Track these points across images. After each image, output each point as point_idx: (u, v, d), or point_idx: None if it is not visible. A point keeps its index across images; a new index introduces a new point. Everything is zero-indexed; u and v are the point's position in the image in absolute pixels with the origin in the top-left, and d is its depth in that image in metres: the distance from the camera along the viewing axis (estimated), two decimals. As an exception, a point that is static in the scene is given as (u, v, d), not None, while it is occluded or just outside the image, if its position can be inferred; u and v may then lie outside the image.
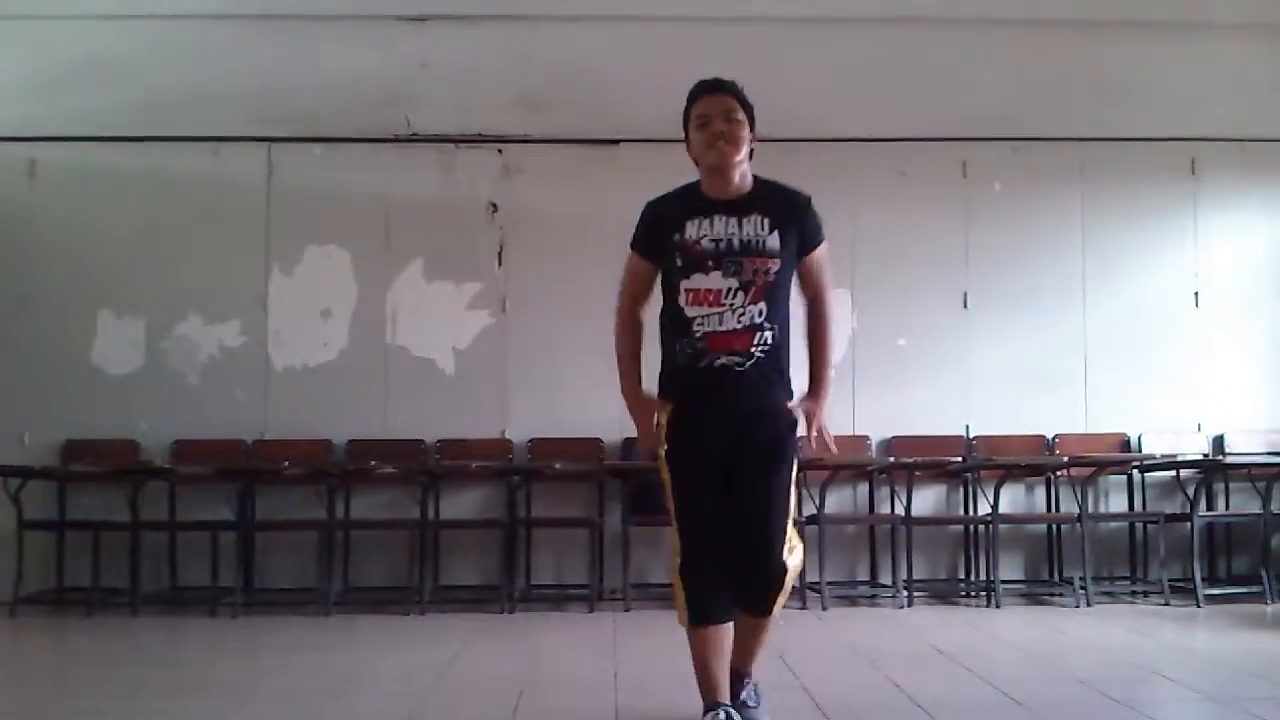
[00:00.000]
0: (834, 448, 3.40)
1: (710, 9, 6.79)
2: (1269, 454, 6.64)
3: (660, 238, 3.36)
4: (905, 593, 6.21)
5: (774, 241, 3.27)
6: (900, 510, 6.39)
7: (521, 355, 6.80)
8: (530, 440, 6.72)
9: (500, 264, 6.86)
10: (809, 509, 6.34)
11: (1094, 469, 6.48)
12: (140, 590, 6.12)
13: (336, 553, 6.38)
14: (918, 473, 6.41)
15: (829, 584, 6.16)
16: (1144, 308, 7.00)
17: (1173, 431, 6.88)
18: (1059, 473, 6.61)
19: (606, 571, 6.43)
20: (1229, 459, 6.61)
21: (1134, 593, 6.57)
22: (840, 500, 6.67)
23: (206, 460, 6.39)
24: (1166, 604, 6.16)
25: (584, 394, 6.73)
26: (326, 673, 4.56)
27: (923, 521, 6.51)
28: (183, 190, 6.84)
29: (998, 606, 6.11)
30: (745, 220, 3.29)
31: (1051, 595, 6.50)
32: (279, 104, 6.83)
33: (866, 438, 6.81)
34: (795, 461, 3.34)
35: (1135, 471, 6.80)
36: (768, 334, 3.25)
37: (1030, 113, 6.99)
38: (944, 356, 6.87)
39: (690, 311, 3.29)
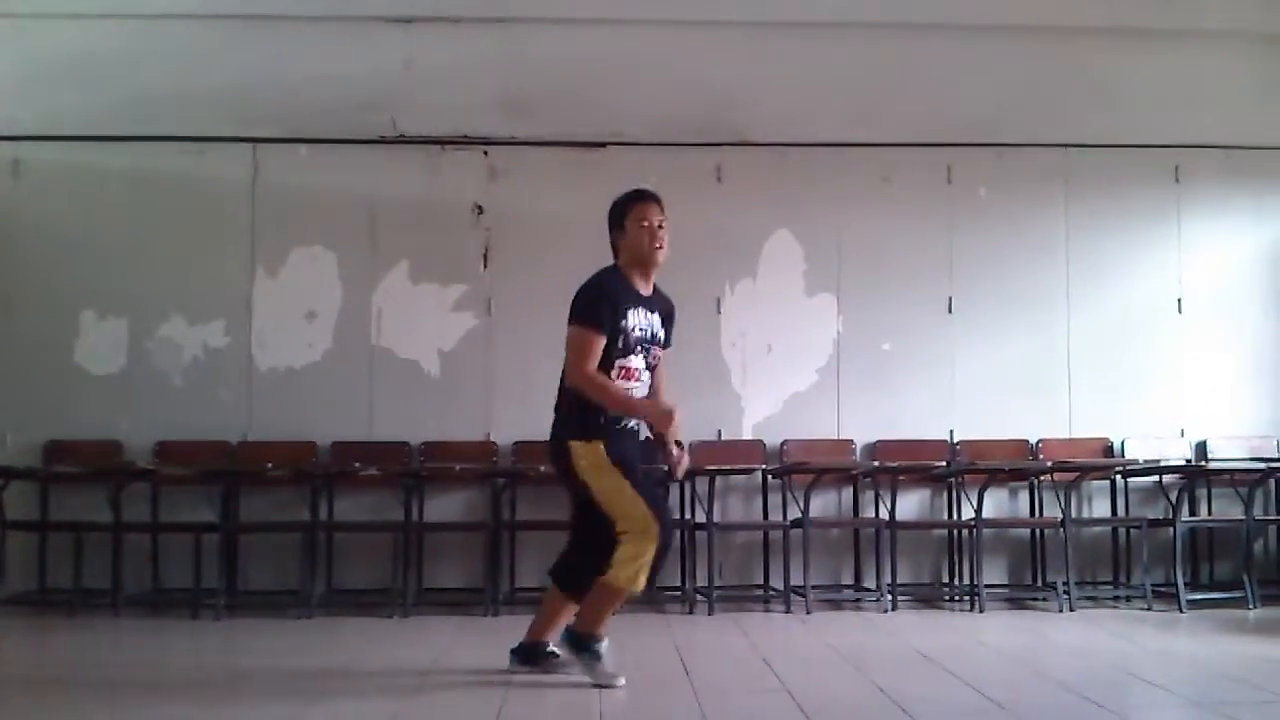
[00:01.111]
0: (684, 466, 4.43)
1: (697, 13, 6.80)
2: (1251, 460, 6.68)
3: (615, 321, 4.10)
4: (889, 597, 6.22)
5: (662, 335, 4.29)
6: (884, 514, 6.40)
7: (506, 358, 6.79)
8: (515, 443, 6.71)
9: (485, 266, 6.85)
10: (794, 512, 6.36)
11: (1077, 474, 6.50)
12: (122, 592, 6.09)
13: (320, 555, 6.36)
14: (902, 477, 6.43)
15: (813, 588, 6.16)
16: (1127, 313, 7.03)
17: (1155, 437, 6.91)
18: (1042, 477, 6.64)
19: (591, 574, 6.41)
20: (1211, 464, 6.65)
21: (1116, 597, 6.59)
22: (824, 504, 6.68)
23: (190, 461, 6.37)
24: (1149, 609, 6.19)
25: (569, 397, 6.73)
26: (309, 675, 4.54)
27: (907, 526, 6.52)
28: (167, 190, 6.82)
29: (981, 610, 6.12)
30: (652, 315, 4.22)
31: (1034, 599, 6.51)
32: (265, 104, 6.81)
33: (851, 442, 6.82)
34: None
35: (1118, 476, 6.83)
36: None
37: (1015, 119, 7.02)
38: (928, 361, 6.89)
39: (622, 384, 4.13)
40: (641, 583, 4.07)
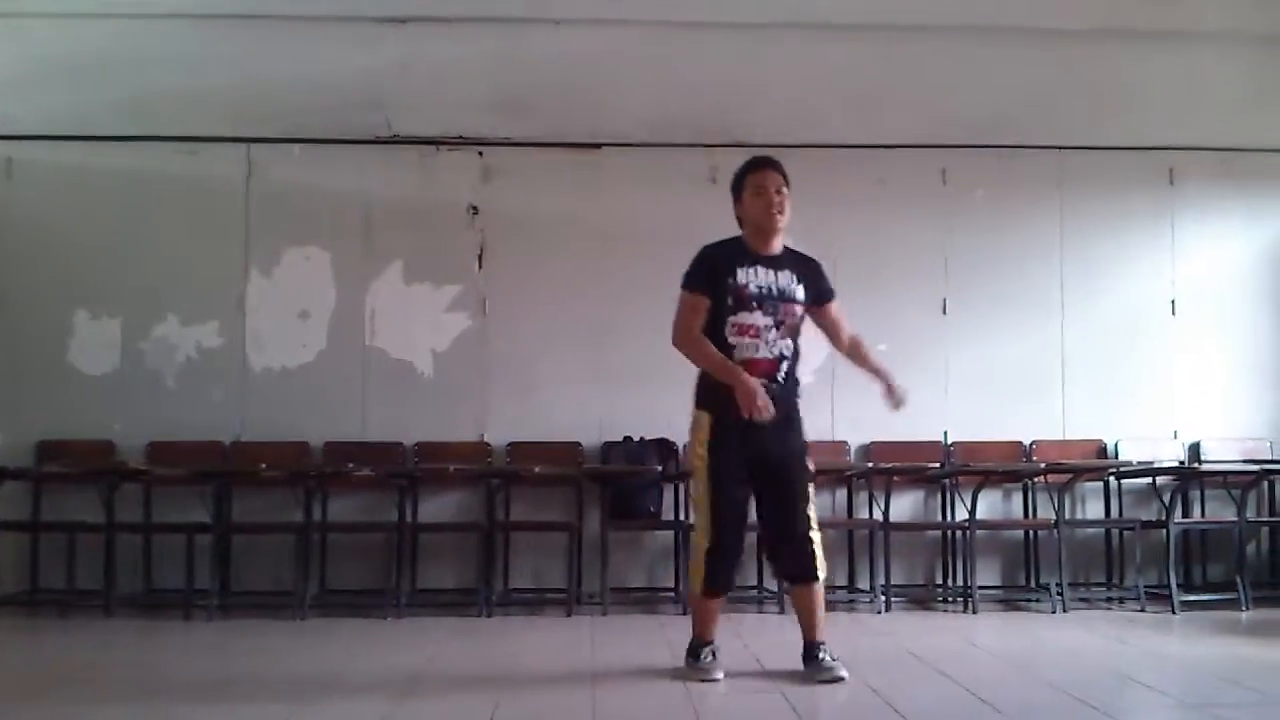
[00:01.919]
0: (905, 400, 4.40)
1: (693, 14, 6.78)
2: (1244, 462, 6.69)
3: (715, 279, 4.18)
4: (883, 598, 6.22)
5: (800, 293, 4.25)
6: (879, 515, 6.40)
7: (501, 358, 6.79)
8: (509, 444, 6.71)
9: (480, 266, 6.85)
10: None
11: (1071, 475, 6.51)
12: (115, 592, 6.08)
13: (313, 555, 6.36)
14: (896, 478, 6.43)
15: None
16: (1121, 316, 7.04)
17: (1149, 439, 6.92)
18: (1036, 479, 6.64)
19: (585, 575, 6.42)
20: (1205, 466, 6.65)
21: (1110, 599, 6.60)
22: (819, 505, 6.61)
23: (183, 462, 6.35)
24: (1142, 610, 6.19)
25: (563, 397, 6.74)
26: (302, 676, 4.53)
27: (901, 527, 6.52)
28: (161, 190, 6.81)
29: (974, 612, 6.13)
30: (780, 273, 4.22)
31: (1028, 601, 6.52)
32: (259, 104, 6.80)
33: (845, 443, 6.83)
34: (809, 469, 4.34)
35: (1112, 478, 6.83)
36: (788, 364, 4.23)
37: (1010, 121, 7.02)
38: (923, 362, 6.88)
39: (733, 340, 4.15)
40: (697, 584, 4.26)
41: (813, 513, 4.29)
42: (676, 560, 6.45)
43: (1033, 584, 6.71)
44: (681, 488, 6.46)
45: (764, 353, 4.16)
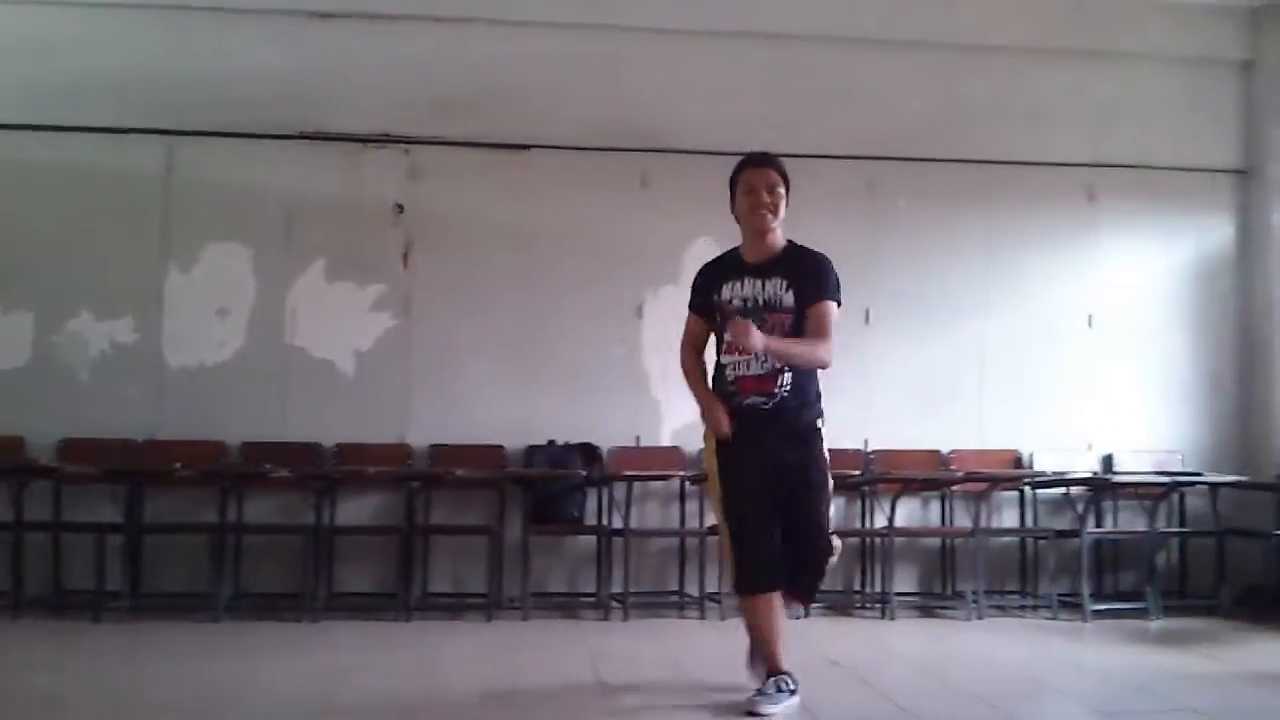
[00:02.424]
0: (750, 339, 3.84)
1: (625, 19, 6.79)
2: (1156, 474, 6.83)
3: (707, 298, 4.13)
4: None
5: (790, 299, 3.98)
6: (799, 522, 6.43)
7: (424, 359, 6.72)
8: (431, 446, 6.63)
9: (405, 266, 6.77)
10: (710, 519, 6.36)
11: (988, 485, 6.60)
12: (23, 593, 5.90)
13: (228, 557, 6.23)
14: (818, 485, 6.46)
15: (728, 595, 6.17)
16: (1040, 329, 7.16)
17: (1064, 450, 7.04)
18: (954, 488, 6.73)
19: (505, 580, 6.37)
20: (1117, 478, 6.78)
21: (1024, 607, 6.71)
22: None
23: (95, 460, 6.18)
24: (1055, 618, 6.30)
25: (487, 400, 6.69)
26: (214, 682, 4.45)
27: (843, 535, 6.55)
28: (78, 182, 6.63)
29: (892, 619, 6.19)
30: (768, 282, 4.01)
31: (944, 608, 6.60)
32: (181, 97, 6.65)
33: (768, 450, 6.84)
34: (828, 491, 4.09)
35: (1027, 488, 6.93)
36: (787, 375, 3.97)
37: (936, 134, 7.10)
38: (845, 371, 6.81)
39: (724, 360, 4.05)
40: (735, 585, 4.14)
41: (834, 539, 4.11)
42: (599, 565, 6.43)
43: (949, 591, 6.80)
44: (605, 492, 6.45)
45: (755, 369, 3.98)
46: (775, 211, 4.01)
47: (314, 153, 6.74)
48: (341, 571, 6.44)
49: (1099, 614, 6.29)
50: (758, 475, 3.98)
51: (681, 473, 6.57)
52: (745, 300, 4.01)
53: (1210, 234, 7.31)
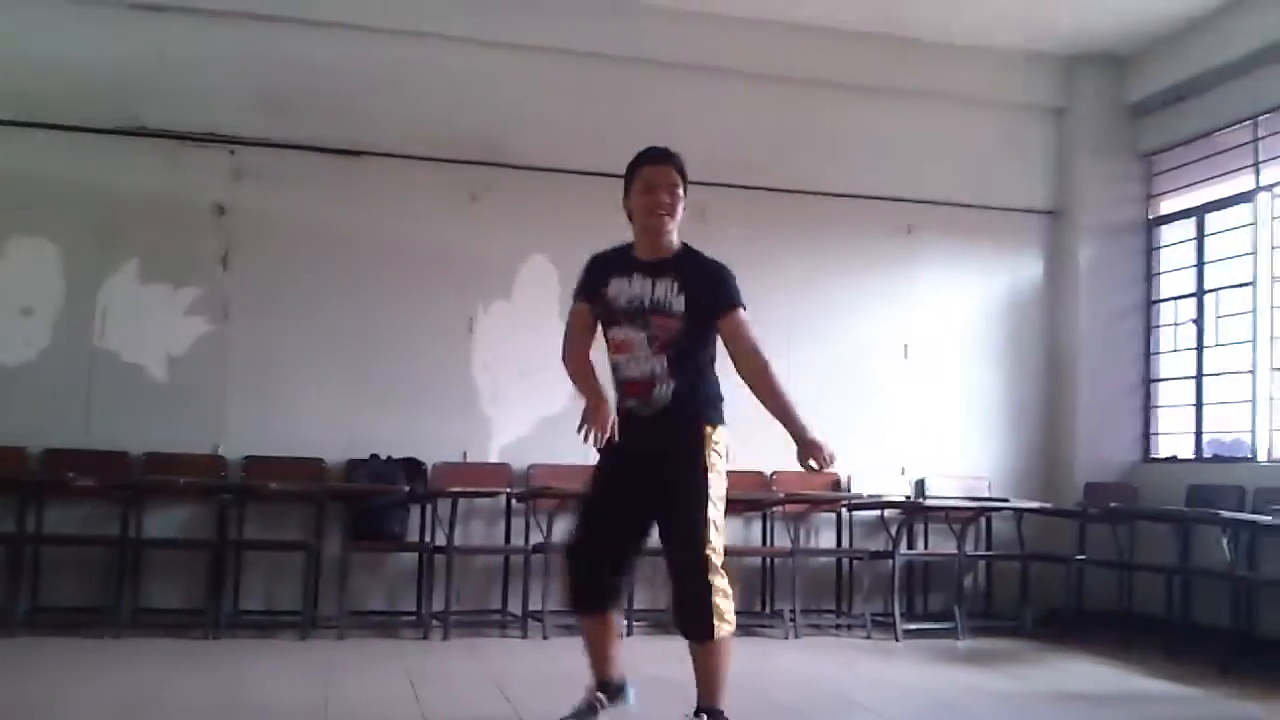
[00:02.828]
0: (831, 462, 3.72)
1: (464, 30, 6.73)
2: (965, 499, 7.11)
3: (595, 288, 3.83)
4: (625, 622, 6.26)
5: (679, 304, 3.71)
6: (624, 541, 6.44)
7: (242, 367, 6.48)
8: (246, 457, 6.40)
9: (225, 269, 6.53)
10: (536, 537, 6.33)
11: (807, 506, 6.75)
12: None
13: (25, 569, 5.88)
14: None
15: (551, 613, 6.14)
16: (858, 357, 7.36)
17: (879, 474, 7.25)
18: (775, 509, 6.85)
19: (322, 598, 6.18)
20: (929, 501, 7.02)
21: (839, 626, 6.88)
22: (567, 530, 6.67)
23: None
24: (868, 637, 6.48)
25: (308, 411, 6.50)
26: (8, 701, 4.18)
27: (647, 552, 6.57)
28: None
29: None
30: (659, 282, 3.73)
31: (762, 626, 6.71)
32: (-9, 82, 6.31)
33: (595, 468, 6.84)
34: (705, 497, 3.66)
35: (844, 510, 7.12)
36: (668, 385, 3.71)
37: (764, 163, 7.24)
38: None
39: (613, 358, 3.80)
40: (569, 601, 3.96)
41: (713, 555, 3.61)
42: (419, 583, 6.31)
43: (768, 610, 6.92)
44: (429, 508, 6.34)
45: (635, 371, 3.73)
46: (673, 213, 3.78)
47: (133, 148, 6.45)
48: (148, 586, 6.16)
49: (910, 633, 6.50)
50: (620, 486, 3.76)
51: (508, 489, 6.51)
52: (632, 300, 3.74)
53: (1021, 271, 7.67)
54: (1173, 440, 7.36)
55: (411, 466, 6.50)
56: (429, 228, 6.73)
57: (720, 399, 3.85)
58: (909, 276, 7.50)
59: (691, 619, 3.62)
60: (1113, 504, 6.76)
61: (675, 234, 3.84)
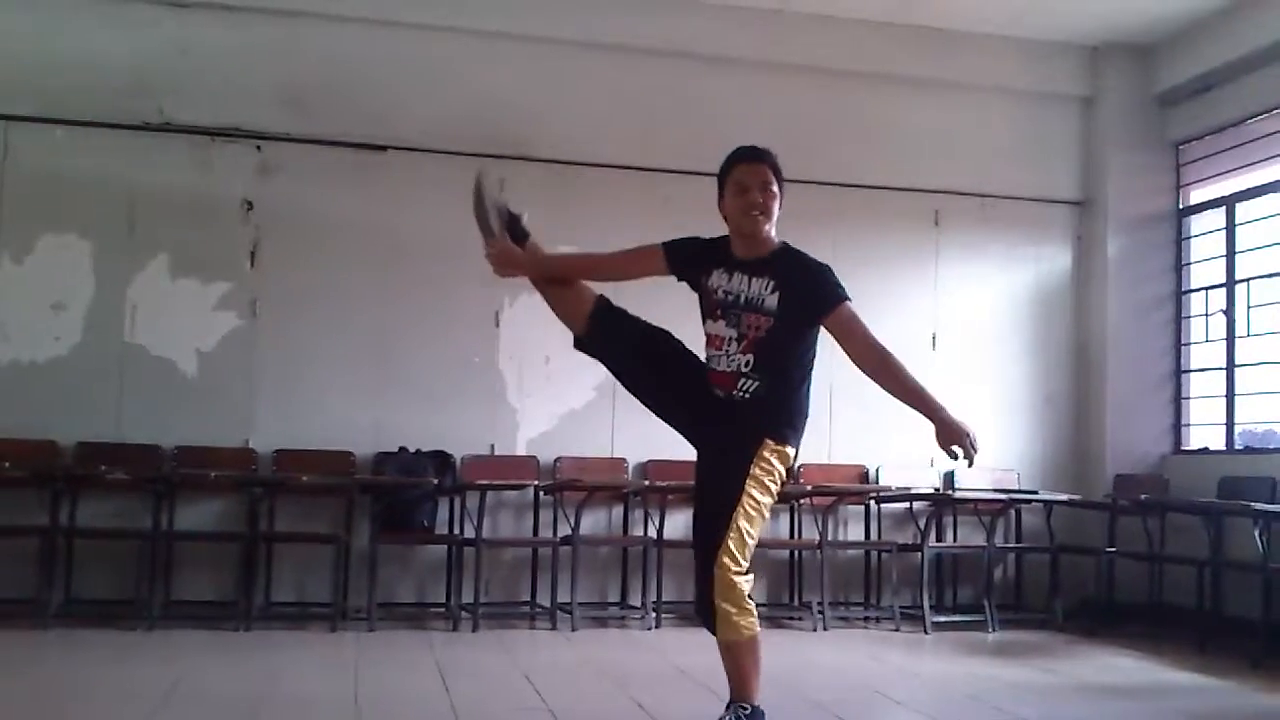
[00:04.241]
0: (975, 449, 3.61)
1: (486, 24, 6.75)
2: (994, 491, 7.08)
3: (693, 266, 3.76)
4: (654, 614, 6.28)
5: (773, 302, 3.58)
6: (652, 533, 6.47)
7: (271, 361, 6.52)
8: (276, 451, 6.44)
9: (253, 265, 6.57)
10: (564, 529, 6.35)
11: (835, 498, 6.74)
12: None
13: (59, 562, 5.94)
14: (670, 496, 6.50)
15: (579, 605, 6.16)
16: (887, 346, 7.31)
17: (908, 466, 7.23)
18: (802, 501, 6.84)
19: (351, 590, 6.22)
20: (958, 494, 7.00)
21: (867, 618, 6.86)
22: (595, 522, 6.69)
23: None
24: (897, 629, 6.47)
25: (337, 405, 6.54)
26: (42, 692, 4.23)
27: (673, 544, 6.59)
28: (-99, 164, 6.27)
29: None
30: (755, 279, 3.62)
31: (791, 618, 6.71)
32: (20, 80, 6.35)
33: (624, 460, 6.86)
34: (736, 502, 3.47)
35: (872, 502, 7.11)
36: (751, 383, 3.57)
37: (788, 155, 7.16)
38: (700, 384, 7.00)
39: (707, 352, 3.67)
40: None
41: (729, 562, 3.43)
42: (448, 575, 6.34)
43: (796, 602, 6.91)
44: (458, 501, 6.37)
45: (724, 365, 3.61)
46: (768, 213, 3.67)
47: (160, 144, 6.49)
48: (180, 578, 6.21)
49: (939, 626, 6.48)
50: (693, 417, 3.72)
51: (535, 482, 6.54)
52: (729, 294, 3.64)
53: (1049, 261, 7.63)
54: (1204, 431, 7.31)
55: (440, 459, 6.53)
56: (455, 221, 6.63)
57: (801, 417, 3.72)
58: (936, 267, 7.47)
59: (704, 615, 3.55)
60: (1143, 496, 6.73)
61: (773, 231, 3.73)
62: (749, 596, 3.48)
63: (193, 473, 6.15)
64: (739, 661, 3.57)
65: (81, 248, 6.40)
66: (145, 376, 6.38)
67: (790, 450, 3.65)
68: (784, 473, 3.62)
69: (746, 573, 3.46)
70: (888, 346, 3.65)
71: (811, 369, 3.74)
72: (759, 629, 3.52)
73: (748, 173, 3.71)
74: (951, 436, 3.54)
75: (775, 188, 3.72)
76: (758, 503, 3.51)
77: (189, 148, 6.54)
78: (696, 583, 3.53)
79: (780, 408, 3.64)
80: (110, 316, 6.39)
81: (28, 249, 6.33)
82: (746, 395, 3.58)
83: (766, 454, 3.55)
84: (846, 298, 3.65)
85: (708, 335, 3.68)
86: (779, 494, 3.68)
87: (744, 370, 3.58)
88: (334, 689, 4.40)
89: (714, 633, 3.52)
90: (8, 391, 6.22)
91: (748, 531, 3.47)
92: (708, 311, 3.70)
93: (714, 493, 3.57)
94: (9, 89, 6.33)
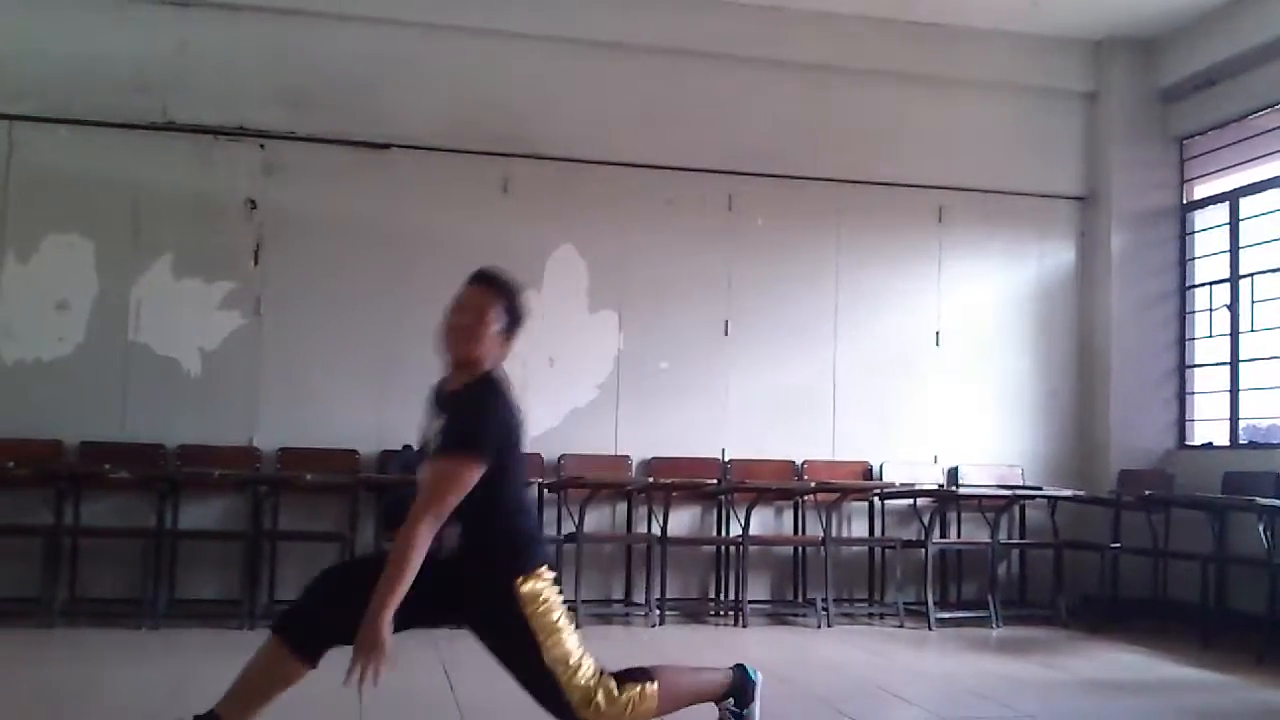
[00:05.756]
0: (374, 682, 3.12)
1: (490, 22, 6.75)
2: (998, 487, 7.07)
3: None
4: (657, 611, 6.29)
5: (437, 441, 3.16)
6: (656, 530, 6.47)
7: (275, 359, 6.53)
8: (280, 449, 6.45)
9: (256, 263, 6.57)
10: (568, 526, 6.35)
11: (839, 495, 6.74)
12: None
13: (63, 560, 5.96)
14: (674, 493, 6.51)
15: (583, 602, 6.17)
16: (890, 344, 7.34)
17: (911, 462, 7.23)
18: (806, 497, 6.84)
19: (356, 587, 6.21)
20: (961, 490, 6.99)
21: (871, 614, 6.86)
22: (599, 519, 6.70)
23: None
24: (901, 626, 6.47)
25: (341, 403, 6.55)
26: (47, 690, 4.24)
27: (677, 541, 6.60)
28: (-95, 164, 6.28)
29: (744, 625, 6.26)
30: (438, 420, 3.22)
31: (795, 615, 6.71)
32: (23, 80, 6.36)
33: (627, 458, 6.87)
34: (537, 643, 3.15)
35: (876, 499, 7.10)
36: (452, 531, 3.12)
37: (792, 152, 7.22)
38: (704, 381, 7.01)
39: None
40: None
41: (576, 695, 3.14)
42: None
43: (800, 599, 6.91)
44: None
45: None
46: (469, 338, 3.22)
47: (164, 144, 6.50)
48: (184, 577, 6.22)
49: (943, 622, 6.48)
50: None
51: (539, 480, 6.53)
52: (426, 441, 3.29)
53: (1053, 257, 7.62)
54: (1208, 427, 7.29)
55: (443, 457, 6.51)
56: (458, 219, 6.74)
57: (530, 541, 3.25)
58: (940, 263, 7.46)
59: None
60: (1147, 491, 6.72)
61: (485, 361, 3.25)
62: (615, 688, 3.16)
63: (197, 471, 6.16)
64: (683, 704, 3.34)
65: (85, 247, 6.41)
66: (149, 375, 6.39)
67: (545, 570, 3.19)
68: (550, 591, 3.18)
69: (591, 680, 3.14)
70: (419, 536, 3.04)
71: (504, 489, 3.20)
72: (650, 687, 3.21)
73: (464, 290, 3.31)
74: (361, 643, 3.11)
75: (491, 315, 3.23)
76: (549, 634, 3.13)
77: (192, 147, 6.55)
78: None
79: (487, 559, 3.18)
80: (114, 316, 6.40)
81: (32, 248, 6.34)
82: (454, 547, 3.15)
83: (523, 592, 3.13)
84: (466, 450, 3.09)
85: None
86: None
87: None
88: (338, 687, 4.40)
89: None
90: (12, 391, 6.24)
91: (566, 659, 3.14)
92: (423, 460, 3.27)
93: (511, 671, 3.22)
94: (13, 89, 6.34)
